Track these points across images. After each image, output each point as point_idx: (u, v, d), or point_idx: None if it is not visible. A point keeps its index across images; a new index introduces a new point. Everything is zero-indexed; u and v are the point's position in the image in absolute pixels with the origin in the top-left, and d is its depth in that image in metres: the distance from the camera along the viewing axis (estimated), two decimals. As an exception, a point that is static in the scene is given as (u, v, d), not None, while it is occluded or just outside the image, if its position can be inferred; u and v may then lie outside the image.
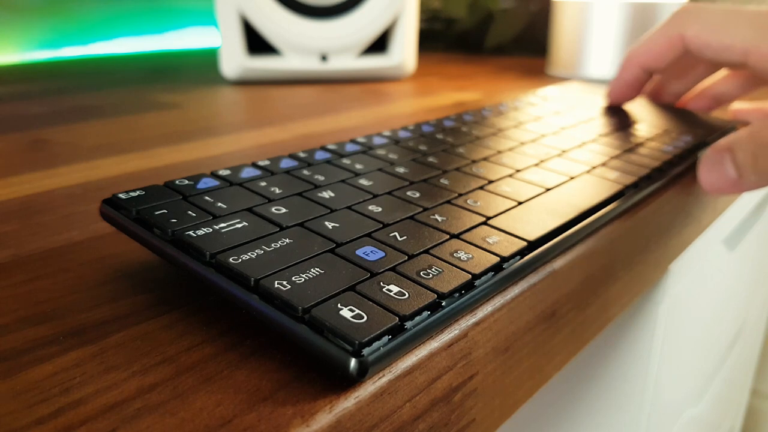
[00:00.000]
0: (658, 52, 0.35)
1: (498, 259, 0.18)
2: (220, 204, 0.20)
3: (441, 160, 0.26)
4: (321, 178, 0.23)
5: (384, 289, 0.16)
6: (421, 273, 0.17)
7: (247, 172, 0.23)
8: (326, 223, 0.19)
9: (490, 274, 0.18)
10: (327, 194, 0.21)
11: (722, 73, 0.38)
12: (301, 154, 0.25)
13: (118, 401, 0.13)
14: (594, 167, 0.27)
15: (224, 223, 0.18)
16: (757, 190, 0.50)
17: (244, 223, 0.18)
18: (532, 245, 0.19)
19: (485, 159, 0.27)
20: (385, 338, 0.14)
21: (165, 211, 0.19)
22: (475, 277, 0.17)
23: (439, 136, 0.30)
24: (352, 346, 0.13)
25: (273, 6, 0.51)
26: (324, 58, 0.53)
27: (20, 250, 0.21)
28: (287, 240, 0.18)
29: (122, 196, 0.19)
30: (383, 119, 0.41)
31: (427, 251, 0.18)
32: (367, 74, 0.55)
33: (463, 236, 0.19)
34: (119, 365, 0.15)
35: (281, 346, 0.15)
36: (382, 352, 0.14)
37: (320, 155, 0.26)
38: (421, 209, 0.21)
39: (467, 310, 0.17)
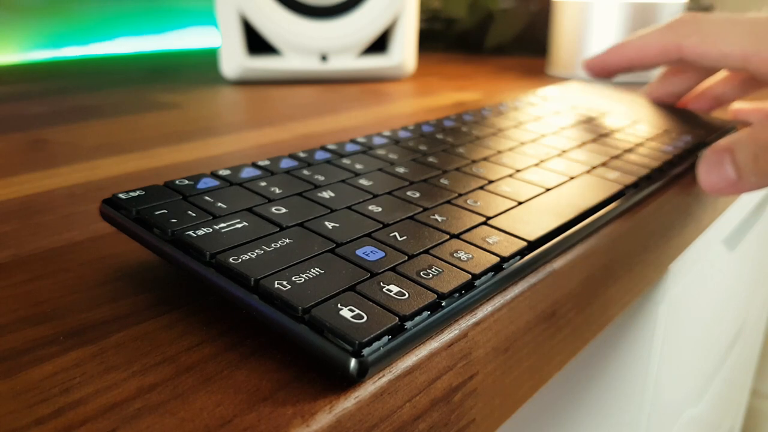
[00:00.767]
0: (649, 55, 0.35)
1: (498, 259, 0.18)
2: (220, 204, 0.20)
3: (441, 160, 0.26)
4: (321, 178, 0.23)
5: (384, 289, 0.16)
6: (421, 273, 0.17)
7: (247, 172, 0.23)
8: (326, 223, 0.19)
9: (490, 274, 0.18)
10: (327, 194, 0.21)
11: (723, 74, 0.38)
12: (301, 154, 0.25)
13: (118, 401, 0.13)
14: (594, 167, 0.27)
15: (224, 223, 0.18)
16: (757, 191, 0.50)
17: (244, 223, 0.18)
18: (532, 245, 0.19)
19: (485, 159, 0.27)
20: (385, 338, 0.14)
21: (165, 211, 0.19)
22: (475, 277, 0.17)
23: (439, 136, 0.30)
24: (352, 346, 0.13)
25: (273, 6, 0.51)
26: (324, 58, 0.53)
27: (20, 250, 0.21)
28: (287, 240, 0.18)
29: (122, 196, 0.19)
30: (383, 119, 0.41)
31: (427, 251, 0.18)
32: (367, 74, 0.55)
33: (463, 236, 0.19)
34: (119, 365, 0.14)
35: (281, 346, 0.15)
36: (382, 352, 0.14)
37: (320, 155, 0.25)
38: (421, 209, 0.21)
39: (467, 310, 0.17)
